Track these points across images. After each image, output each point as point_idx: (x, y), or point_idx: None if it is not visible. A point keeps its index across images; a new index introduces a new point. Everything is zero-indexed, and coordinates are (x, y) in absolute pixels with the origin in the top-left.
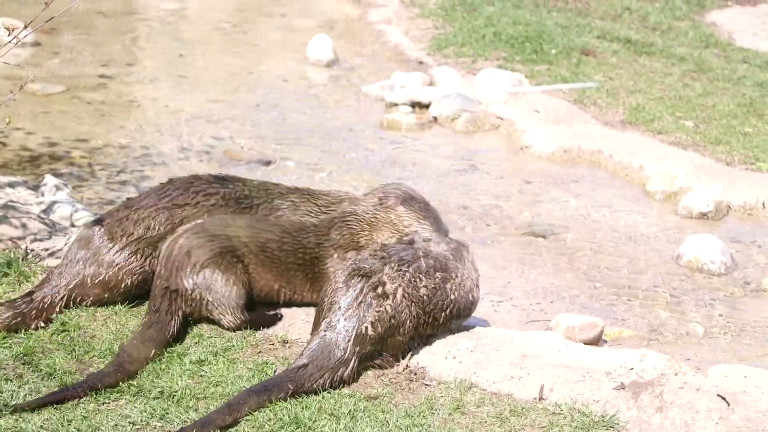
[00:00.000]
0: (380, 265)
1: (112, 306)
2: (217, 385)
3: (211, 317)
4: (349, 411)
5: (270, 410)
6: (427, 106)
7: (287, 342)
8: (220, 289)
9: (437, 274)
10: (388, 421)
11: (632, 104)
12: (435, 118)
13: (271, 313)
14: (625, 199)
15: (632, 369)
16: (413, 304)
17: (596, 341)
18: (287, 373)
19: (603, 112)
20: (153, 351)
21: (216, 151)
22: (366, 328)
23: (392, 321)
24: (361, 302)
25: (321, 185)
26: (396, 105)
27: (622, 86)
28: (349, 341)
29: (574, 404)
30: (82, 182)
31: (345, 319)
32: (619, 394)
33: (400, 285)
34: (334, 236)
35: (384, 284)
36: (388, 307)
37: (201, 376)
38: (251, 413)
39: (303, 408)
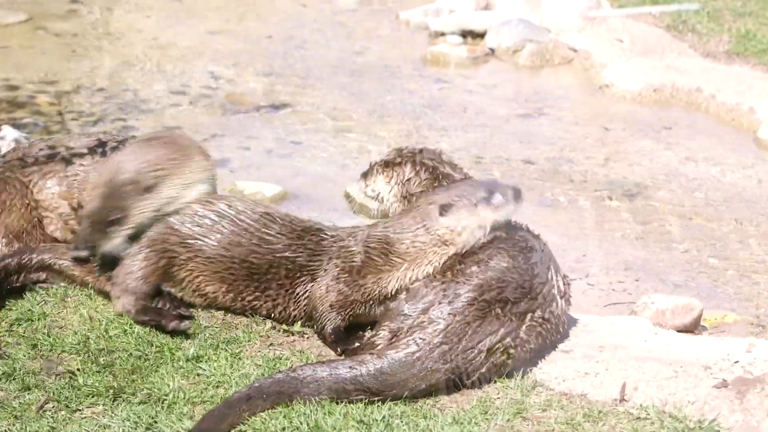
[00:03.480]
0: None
1: (84, 290)
2: (217, 387)
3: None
4: (383, 417)
5: (284, 417)
6: (482, 36)
7: (305, 333)
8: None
9: None
10: (431, 430)
11: (740, 30)
12: (492, 51)
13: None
14: (731, 149)
15: (737, 362)
16: None
17: (692, 328)
18: None
19: (703, 41)
20: None
21: (217, 94)
22: None
23: None
24: None
25: (347, 136)
26: (443, 34)
27: (728, 7)
28: None
29: (664, 406)
30: (49, 134)
31: None
32: (721, 394)
33: None
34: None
35: None
36: None
37: (198, 375)
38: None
39: (326, 414)
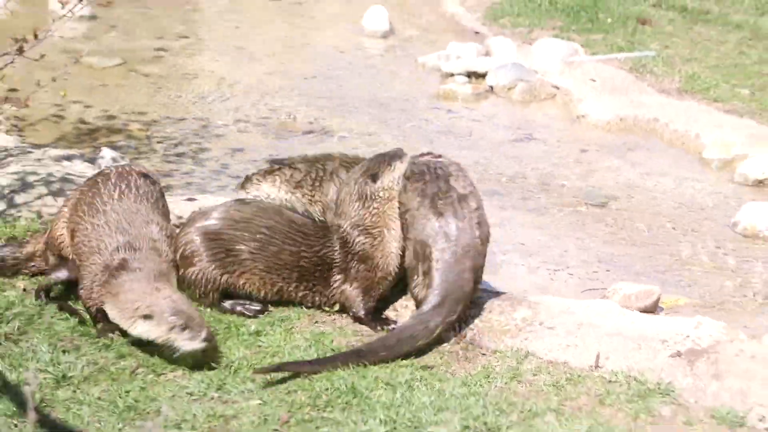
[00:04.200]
0: None
1: None
2: (273, 356)
3: None
4: (406, 380)
5: (327, 380)
6: (483, 76)
7: (344, 313)
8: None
9: None
10: (444, 390)
11: (688, 73)
12: (491, 88)
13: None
14: (682, 167)
15: (688, 337)
16: None
17: (652, 309)
18: None
19: (659, 81)
20: None
21: (272, 122)
22: None
23: None
24: None
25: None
26: (452, 75)
27: (678, 55)
28: None
29: (630, 372)
30: (139, 154)
31: None
32: (675, 362)
33: None
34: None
35: None
36: None
37: (258, 346)
38: None
39: (360, 377)
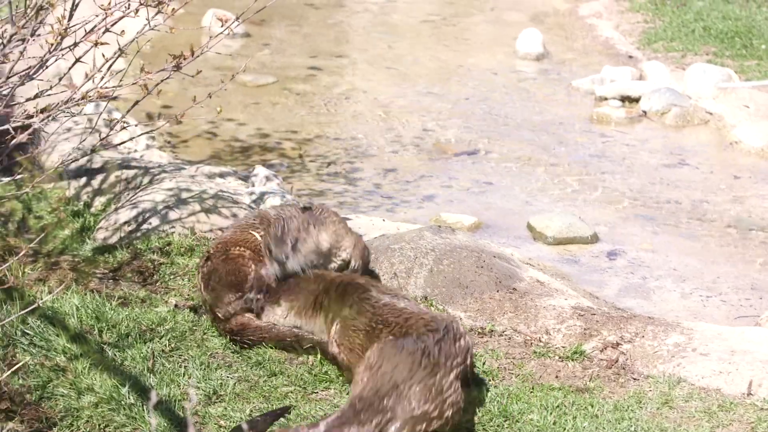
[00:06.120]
0: None
1: None
2: None
3: None
4: (558, 404)
5: (479, 402)
6: (636, 101)
7: (494, 332)
8: None
9: None
10: (597, 415)
11: None
12: (644, 113)
13: None
14: None
15: None
16: None
17: None
18: None
19: None
20: None
21: (425, 143)
22: None
23: None
24: None
25: (529, 178)
26: (606, 99)
27: None
28: None
29: None
30: (292, 173)
31: None
32: None
33: None
34: None
35: None
36: None
37: None
38: None
39: (513, 401)
